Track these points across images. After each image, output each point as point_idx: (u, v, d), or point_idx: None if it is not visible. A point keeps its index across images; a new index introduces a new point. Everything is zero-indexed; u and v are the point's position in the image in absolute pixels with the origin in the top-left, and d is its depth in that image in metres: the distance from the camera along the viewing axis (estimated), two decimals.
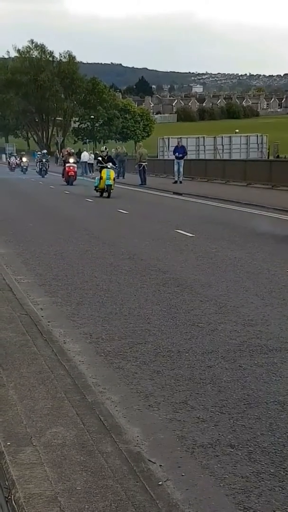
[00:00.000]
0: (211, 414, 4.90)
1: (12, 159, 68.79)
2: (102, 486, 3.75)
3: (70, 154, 41.56)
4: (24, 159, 63.23)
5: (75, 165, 40.42)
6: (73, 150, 48.38)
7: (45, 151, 64.11)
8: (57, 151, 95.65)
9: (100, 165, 29.55)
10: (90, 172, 50.07)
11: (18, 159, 66.50)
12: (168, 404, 5.12)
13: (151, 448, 4.35)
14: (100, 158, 30.63)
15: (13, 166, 65.43)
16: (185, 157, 38.01)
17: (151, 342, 6.73)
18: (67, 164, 39.71)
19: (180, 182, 35.73)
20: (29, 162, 62.66)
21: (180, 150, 37.24)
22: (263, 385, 5.48)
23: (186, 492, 3.81)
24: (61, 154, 60.44)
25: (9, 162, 69.72)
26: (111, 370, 5.94)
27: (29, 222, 18.48)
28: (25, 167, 60.73)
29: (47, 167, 52.54)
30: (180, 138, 49.86)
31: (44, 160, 53.01)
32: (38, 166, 52.82)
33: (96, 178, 30.14)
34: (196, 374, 5.78)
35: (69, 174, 39.36)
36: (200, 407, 5.04)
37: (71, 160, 40.06)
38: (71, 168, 39.65)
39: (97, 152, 45.46)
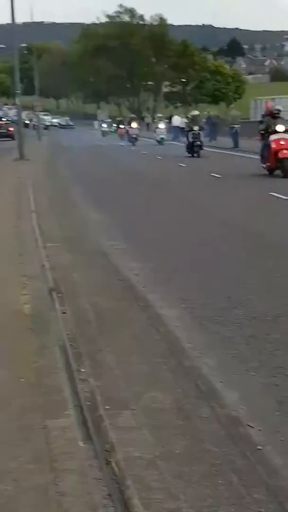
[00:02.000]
0: None
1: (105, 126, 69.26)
2: (201, 450, 3.76)
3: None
4: (134, 125, 51.28)
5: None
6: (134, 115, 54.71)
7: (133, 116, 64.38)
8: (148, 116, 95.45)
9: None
10: (182, 136, 49.87)
11: (125, 125, 58.40)
12: (266, 368, 5.08)
13: (249, 413, 4.33)
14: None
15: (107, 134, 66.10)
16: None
17: (246, 307, 6.67)
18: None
19: None
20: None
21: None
22: None
23: (286, 457, 3.77)
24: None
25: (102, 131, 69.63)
26: (206, 335, 5.93)
27: (123, 187, 18.57)
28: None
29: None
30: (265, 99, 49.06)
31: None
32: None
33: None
34: None
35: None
36: None
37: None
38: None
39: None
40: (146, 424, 4.08)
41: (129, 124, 47.06)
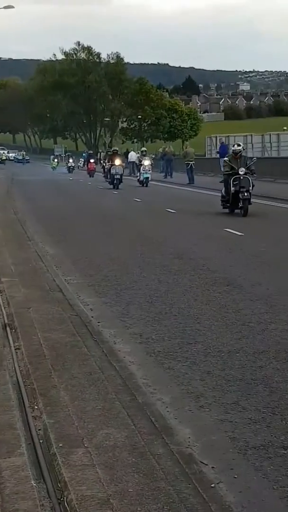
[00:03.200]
0: (263, 415, 4.84)
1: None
2: (154, 489, 3.72)
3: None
4: (117, 162, 59.85)
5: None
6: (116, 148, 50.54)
7: (91, 151, 65.09)
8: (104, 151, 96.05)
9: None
10: (137, 172, 50.62)
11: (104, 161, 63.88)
12: (220, 405, 5.08)
13: (203, 450, 4.32)
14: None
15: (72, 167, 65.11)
16: (224, 156, 37.78)
17: (201, 342, 6.69)
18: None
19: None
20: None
21: (220, 149, 38.35)
22: None
23: (239, 495, 3.76)
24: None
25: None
26: (161, 371, 5.92)
27: (78, 222, 18.57)
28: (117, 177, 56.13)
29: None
30: (219, 137, 50.37)
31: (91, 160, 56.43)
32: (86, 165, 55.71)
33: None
34: (247, 374, 5.72)
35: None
36: (252, 408, 4.98)
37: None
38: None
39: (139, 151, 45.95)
40: (99, 462, 4.03)
41: (110, 160, 36.35)
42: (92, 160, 54.57)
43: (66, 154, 75.72)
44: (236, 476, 3.97)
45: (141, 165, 37.31)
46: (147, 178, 36.37)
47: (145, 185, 36.21)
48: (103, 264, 11.42)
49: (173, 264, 11.22)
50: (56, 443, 4.29)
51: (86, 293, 9.14)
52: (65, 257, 12.37)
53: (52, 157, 77.56)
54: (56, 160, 73.26)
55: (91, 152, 65.83)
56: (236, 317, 7.64)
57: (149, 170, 36.83)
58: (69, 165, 63.96)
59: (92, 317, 7.74)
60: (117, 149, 36.44)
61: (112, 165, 35.23)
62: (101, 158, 55.13)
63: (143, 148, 39.90)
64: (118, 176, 34.41)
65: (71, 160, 65.24)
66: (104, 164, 41.19)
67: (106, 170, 38.95)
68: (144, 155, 38.45)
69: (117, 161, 35.17)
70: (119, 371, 5.71)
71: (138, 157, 39.07)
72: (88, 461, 4.05)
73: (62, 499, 3.68)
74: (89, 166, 53.73)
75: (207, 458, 4.18)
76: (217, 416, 4.87)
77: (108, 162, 36.74)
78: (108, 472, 3.90)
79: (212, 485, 3.82)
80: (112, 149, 37.27)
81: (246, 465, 4.11)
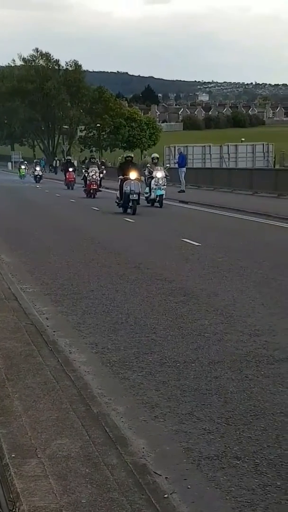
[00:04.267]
0: (217, 426, 4.87)
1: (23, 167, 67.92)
2: (107, 499, 3.71)
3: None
4: (37, 168, 59.57)
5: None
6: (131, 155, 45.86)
7: (69, 157, 58.87)
8: (63, 159, 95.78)
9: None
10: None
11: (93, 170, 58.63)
12: (174, 415, 5.09)
13: (156, 460, 4.32)
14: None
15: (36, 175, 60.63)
16: (183, 166, 37.69)
17: (157, 352, 6.70)
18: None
19: (183, 191, 35.69)
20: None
21: (178, 159, 38.05)
22: (269, 396, 5.44)
23: (192, 505, 3.77)
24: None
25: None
26: (116, 381, 5.91)
27: (34, 230, 18.47)
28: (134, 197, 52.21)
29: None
30: (178, 147, 50.49)
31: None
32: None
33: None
34: (202, 385, 5.74)
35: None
36: (206, 419, 5.00)
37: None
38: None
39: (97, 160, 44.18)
40: (52, 473, 4.01)
41: (122, 172, 24.17)
42: (71, 169, 45.76)
43: (34, 161, 69.12)
44: (189, 487, 3.98)
45: (152, 177, 27.07)
46: (161, 195, 26.93)
47: (158, 204, 26.78)
48: (60, 272, 11.36)
49: (130, 273, 11.22)
50: (9, 454, 4.25)
51: (41, 301, 9.09)
52: (22, 264, 12.27)
53: (18, 163, 72.70)
54: (23, 167, 67.91)
55: (70, 158, 55.42)
56: (192, 327, 7.67)
57: (164, 185, 27.23)
58: (36, 173, 58.80)
59: (48, 326, 7.70)
60: (132, 155, 25.37)
61: (125, 179, 23.61)
62: (84, 166, 43.09)
63: (154, 155, 29.64)
64: (135, 196, 23.27)
65: (38, 168, 59.94)
66: (86, 174, 35.21)
67: (91, 180, 34.54)
68: (156, 164, 28.32)
69: (133, 174, 23.81)
70: (74, 381, 5.69)
71: (148, 167, 28.24)
72: (41, 471, 4.02)
73: (14, 510, 3.65)
74: (67, 176, 45.70)
75: (160, 469, 4.18)
76: (172, 426, 4.88)
77: (120, 174, 24.29)
78: (61, 483, 3.88)
79: (166, 495, 3.82)
80: (126, 155, 25.61)
81: (199, 476, 4.13)
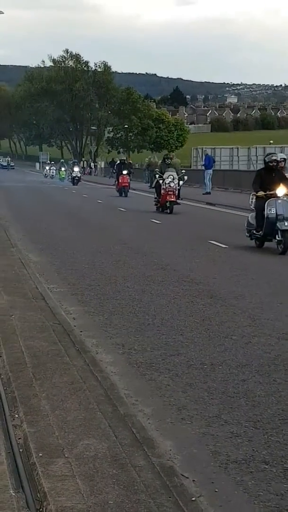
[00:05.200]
0: (245, 429, 4.83)
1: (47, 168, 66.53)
2: (134, 501, 3.69)
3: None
4: (76, 169, 53.34)
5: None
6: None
7: (123, 158, 47.82)
8: (90, 160, 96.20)
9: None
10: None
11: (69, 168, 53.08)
12: (201, 417, 5.06)
13: (184, 463, 4.30)
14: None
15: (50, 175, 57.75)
16: (209, 168, 37.59)
17: (183, 354, 6.67)
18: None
19: (208, 193, 35.64)
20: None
21: (205, 160, 38.07)
22: None
23: (220, 509, 3.74)
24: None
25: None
26: (143, 382, 5.89)
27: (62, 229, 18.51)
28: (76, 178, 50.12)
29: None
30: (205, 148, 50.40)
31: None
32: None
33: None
34: (230, 387, 5.71)
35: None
36: (234, 422, 4.96)
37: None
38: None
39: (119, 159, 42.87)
40: (79, 473, 4.00)
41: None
42: (125, 172, 36.68)
43: (72, 162, 62.72)
44: (217, 490, 3.95)
45: (162, 179, 24.59)
46: (172, 202, 24.36)
47: (168, 211, 24.43)
48: (87, 274, 11.36)
49: (157, 275, 11.20)
50: (36, 453, 4.25)
51: (69, 301, 9.10)
52: (50, 264, 12.28)
53: (58, 165, 65.99)
54: (63, 169, 61.33)
55: (124, 159, 42.15)
56: (218, 329, 7.63)
57: (176, 188, 24.66)
58: (74, 175, 52.21)
59: (75, 326, 7.71)
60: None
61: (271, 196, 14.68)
62: (147, 168, 39.53)
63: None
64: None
65: (76, 169, 53.43)
66: (161, 181, 24.80)
67: (167, 189, 24.37)
68: (169, 165, 25.44)
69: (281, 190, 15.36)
70: (101, 381, 5.68)
71: (159, 165, 26.45)
72: (68, 471, 4.02)
73: (41, 509, 3.64)
74: (120, 180, 36.60)
75: (188, 471, 4.15)
76: (199, 429, 4.85)
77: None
78: (88, 483, 3.87)
79: (193, 498, 3.79)
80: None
81: (227, 479, 4.10)
